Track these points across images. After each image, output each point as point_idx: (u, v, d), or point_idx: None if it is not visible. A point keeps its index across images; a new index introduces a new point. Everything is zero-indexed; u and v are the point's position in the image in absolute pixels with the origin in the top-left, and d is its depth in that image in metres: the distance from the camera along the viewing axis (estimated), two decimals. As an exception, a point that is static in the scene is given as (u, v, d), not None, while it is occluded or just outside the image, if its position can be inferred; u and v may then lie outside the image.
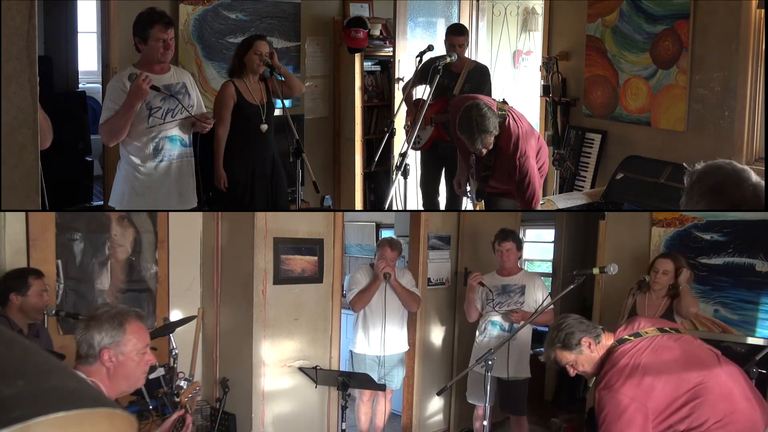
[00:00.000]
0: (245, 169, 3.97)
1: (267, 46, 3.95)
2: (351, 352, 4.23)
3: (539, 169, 3.81)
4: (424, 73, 4.23)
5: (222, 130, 3.93)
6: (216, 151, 3.93)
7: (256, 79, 3.96)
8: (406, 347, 4.33)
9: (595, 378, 2.46)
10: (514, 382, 3.97)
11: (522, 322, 3.61)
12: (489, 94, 4.87)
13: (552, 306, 3.73)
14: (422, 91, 5.06)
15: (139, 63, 3.56)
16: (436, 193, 5.13)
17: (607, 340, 2.43)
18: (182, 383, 3.23)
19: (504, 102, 4.62)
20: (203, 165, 3.98)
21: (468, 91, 4.77)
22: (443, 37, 4.81)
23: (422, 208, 5.25)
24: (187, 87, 3.68)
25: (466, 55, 4.79)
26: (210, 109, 4.58)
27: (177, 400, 2.99)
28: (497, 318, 4.02)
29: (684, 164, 1.87)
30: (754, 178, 1.76)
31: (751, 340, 3.72)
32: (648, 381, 2.24)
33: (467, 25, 5.59)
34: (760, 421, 2.30)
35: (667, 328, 2.50)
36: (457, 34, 4.71)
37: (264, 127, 3.94)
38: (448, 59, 4.08)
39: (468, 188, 4.06)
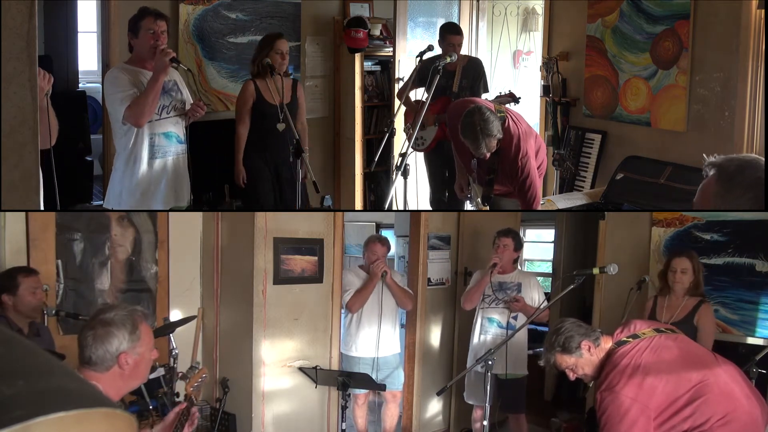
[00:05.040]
0: (264, 167, 4.05)
1: (286, 44, 4.02)
2: (342, 354, 4.17)
3: (538, 168, 3.82)
4: (421, 75, 4.23)
5: (242, 128, 4.09)
6: (236, 148, 4.09)
7: (279, 78, 3.99)
8: (399, 348, 4.32)
9: (594, 381, 2.47)
10: (512, 381, 3.97)
11: (522, 324, 3.61)
12: (485, 85, 4.91)
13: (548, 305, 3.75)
14: (419, 94, 5.08)
15: (130, 60, 3.57)
16: (445, 189, 5.15)
17: (606, 343, 2.44)
18: (188, 372, 3.21)
19: (510, 94, 4.65)
20: (200, 165, 4.00)
21: (466, 86, 4.79)
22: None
23: (427, 205, 5.25)
24: (179, 84, 3.70)
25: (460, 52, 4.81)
26: (210, 109, 4.60)
27: (178, 399, 2.99)
28: (495, 315, 4.03)
29: (704, 155, 1.86)
30: None
31: (751, 340, 3.72)
32: (649, 381, 2.25)
33: (467, 25, 5.59)
34: (761, 418, 2.30)
35: (663, 329, 2.51)
36: (456, 33, 4.73)
37: (281, 126, 4.00)
38: (448, 59, 4.08)
39: (469, 192, 4.05)
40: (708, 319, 3.40)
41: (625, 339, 2.42)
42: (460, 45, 4.69)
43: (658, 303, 3.52)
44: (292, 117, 4.02)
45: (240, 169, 4.07)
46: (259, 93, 4.03)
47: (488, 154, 3.52)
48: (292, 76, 4.03)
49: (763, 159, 1.80)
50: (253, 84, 4.04)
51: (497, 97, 4.69)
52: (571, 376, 2.47)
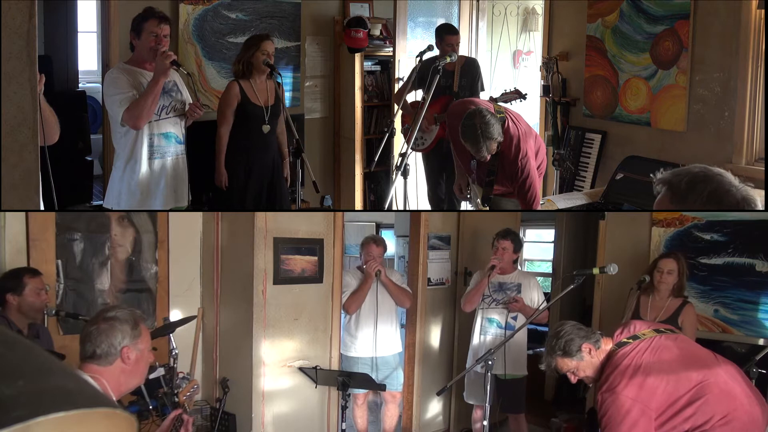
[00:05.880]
0: (244, 169, 4.00)
1: (273, 45, 3.97)
2: (342, 355, 4.17)
3: (538, 167, 3.82)
4: (421, 76, 4.23)
5: (224, 129, 3.99)
6: (218, 149, 3.98)
7: (263, 80, 3.96)
8: (399, 348, 4.32)
9: (595, 383, 2.47)
10: (512, 381, 3.97)
11: (521, 324, 3.61)
12: (482, 84, 4.92)
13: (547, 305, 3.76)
14: (419, 94, 5.08)
15: (130, 60, 3.56)
16: (442, 184, 5.15)
17: (606, 345, 2.44)
18: (180, 382, 3.23)
19: (516, 91, 4.65)
20: (198, 165, 3.98)
21: (465, 85, 4.80)
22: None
23: (427, 204, 5.25)
24: (178, 85, 3.69)
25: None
26: (210, 109, 4.59)
27: (176, 400, 3.00)
28: (495, 315, 4.03)
29: (651, 174, 1.83)
30: (735, 181, 1.74)
31: (751, 340, 3.72)
32: (650, 381, 2.25)
33: (467, 25, 5.60)
34: (761, 418, 2.31)
35: (663, 329, 2.51)
36: (453, 33, 4.74)
37: (266, 128, 3.96)
38: (449, 59, 4.08)
39: (469, 193, 4.06)
40: (691, 319, 3.50)
41: (625, 340, 2.42)
42: (457, 44, 4.69)
43: (641, 302, 3.56)
44: (276, 119, 4.01)
45: (222, 171, 3.96)
46: (243, 94, 3.94)
47: (489, 157, 3.52)
48: (277, 79, 3.98)
49: (714, 168, 1.78)
50: (237, 85, 3.95)
51: (503, 94, 4.69)
52: (573, 379, 2.48)
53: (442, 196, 5.13)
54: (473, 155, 3.57)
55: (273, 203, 4.09)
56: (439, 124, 4.82)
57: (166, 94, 3.57)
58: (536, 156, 3.80)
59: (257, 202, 4.05)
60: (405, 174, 3.30)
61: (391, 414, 4.29)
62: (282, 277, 3.83)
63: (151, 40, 3.46)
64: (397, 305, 4.25)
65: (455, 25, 5.28)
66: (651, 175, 1.83)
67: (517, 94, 4.63)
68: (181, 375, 3.48)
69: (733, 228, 3.81)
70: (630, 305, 3.64)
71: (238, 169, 4.00)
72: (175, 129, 3.66)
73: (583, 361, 2.40)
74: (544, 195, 4.50)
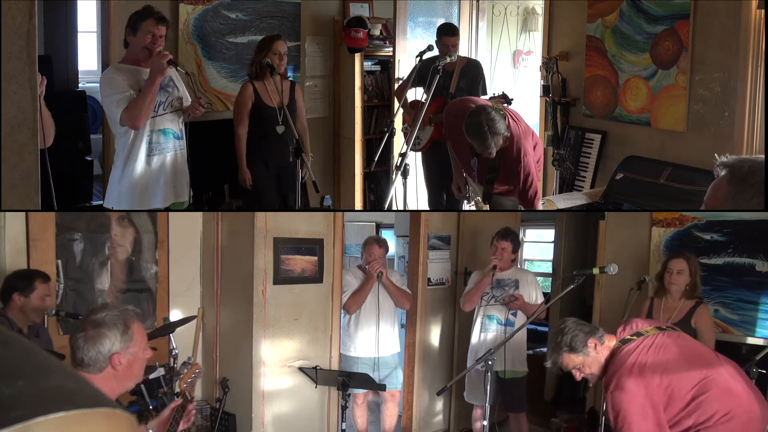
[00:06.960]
0: (265, 169, 4.03)
1: (284, 45, 4.00)
2: (342, 355, 4.18)
3: (536, 164, 3.82)
4: (421, 75, 4.23)
5: (242, 130, 4.04)
6: (238, 150, 4.03)
7: (277, 80, 3.98)
8: (398, 348, 4.33)
9: (597, 381, 2.47)
10: (512, 380, 3.97)
11: (521, 323, 3.62)
12: (484, 87, 4.91)
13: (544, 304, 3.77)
14: (417, 93, 5.07)
15: (125, 59, 3.55)
16: (443, 191, 5.13)
17: (609, 342, 2.44)
18: (182, 368, 3.18)
19: (503, 96, 4.65)
20: (199, 164, 3.99)
21: (464, 87, 4.79)
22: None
23: (426, 207, 5.24)
24: (174, 81, 3.68)
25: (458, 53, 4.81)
26: (210, 109, 4.59)
27: (177, 390, 2.98)
28: (494, 313, 4.03)
29: (716, 155, 1.87)
30: None
31: (751, 340, 3.72)
32: (656, 379, 2.27)
33: (467, 25, 5.59)
34: (761, 416, 2.32)
35: (664, 327, 2.52)
36: (452, 34, 4.73)
37: (280, 129, 3.98)
38: (448, 59, 4.08)
39: (467, 192, 4.06)
40: (706, 320, 3.40)
41: (628, 337, 2.42)
42: (455, 46, 4.68)
43: (654, 305, 3.52)
44: (292, 119, 4.02)
45: (245, 171, 4.02)
46: (257, 95, 3.99)
47: (495, 152, 3.52)
48: (290, 78, 4.01)
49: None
50: (251, 86, 4.00)
51: (491, 98, 4.70)
52: (578, 376, 2.47)
53: (442, 201, 5.12)
54: (479, 152, 3.58)
55: (294, 204, 4.12)
56: (434, 124, 4.80)
57: (162, 90, 3.55)
58: (535, 154, 3.81)
59: (280, 202, 4.08)
60: (405, 174, 3.30)
61: (391, 413, 4.29)
62: (282, 277, 3.83)
63: (147, 39, 3.44)
64: (396, 306, 4.26)
65: (455, 24, 5.27)
66: (716, 155, 1.87)
67: (504, 99, 4.63)
68: (179, 364, 3.45)
69: (733, 228, 3.80)
70: (636, 306, 3.62)
71: (259, 171, 4.04)
72: (173, 125, 3.64)
73: (589, 357, 2.40)
74: (544, 195, 4.50)
